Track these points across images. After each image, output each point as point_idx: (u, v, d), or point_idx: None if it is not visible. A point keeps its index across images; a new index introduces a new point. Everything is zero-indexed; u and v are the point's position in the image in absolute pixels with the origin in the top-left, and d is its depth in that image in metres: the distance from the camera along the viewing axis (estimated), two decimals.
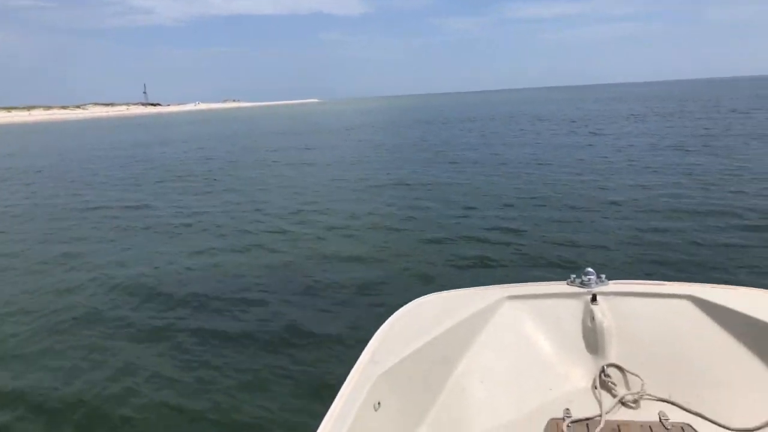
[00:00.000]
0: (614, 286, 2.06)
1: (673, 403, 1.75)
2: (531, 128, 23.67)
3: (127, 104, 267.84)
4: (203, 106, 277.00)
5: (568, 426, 1.67)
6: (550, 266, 5.46)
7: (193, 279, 5.82)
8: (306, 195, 10.47)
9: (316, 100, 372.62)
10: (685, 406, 1.73)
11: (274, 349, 4.11)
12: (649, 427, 1.64)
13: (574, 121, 26.07)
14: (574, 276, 2.11)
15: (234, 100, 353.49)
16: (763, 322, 1.74)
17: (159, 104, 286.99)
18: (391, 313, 2.05)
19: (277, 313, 4.76)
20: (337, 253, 6.38)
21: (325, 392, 3.26)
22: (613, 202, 8.11)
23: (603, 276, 2.09)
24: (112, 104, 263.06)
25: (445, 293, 2.18)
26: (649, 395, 1.79)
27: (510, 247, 6.19)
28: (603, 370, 1.90)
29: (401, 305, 2.10)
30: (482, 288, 2.20)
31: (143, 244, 7.50)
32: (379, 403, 1.56)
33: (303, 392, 3.49)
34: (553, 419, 1.73)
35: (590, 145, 15.86)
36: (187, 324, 4.63)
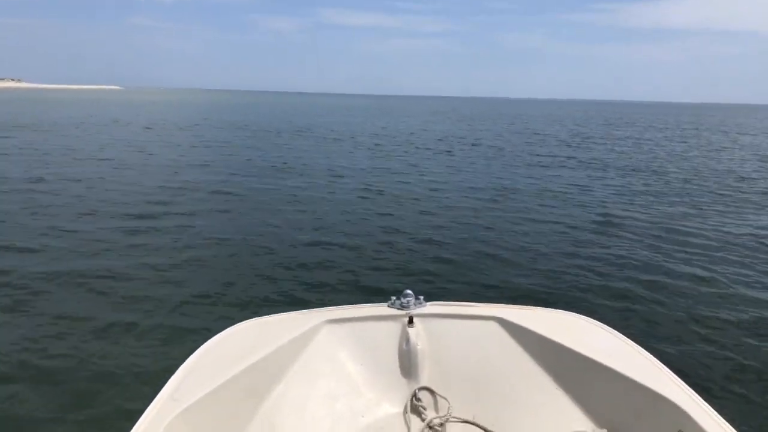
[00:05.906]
0: (431, 307, 2.09)
1: (476, 425, 1.81)
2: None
3: None
4: None
5: None
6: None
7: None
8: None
9: (116, 87, 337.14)
10: (488, 427, 1.80)
11: (66, 382, 3.59)
12: None
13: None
14: (395, 298, 2.10)
15: (14, 79, 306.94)
16: (556, 343, 1.89)
17: None
18: (203, 342, 1.85)
19: (77, 342, 4.14)
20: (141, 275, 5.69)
21: None
22: (437, 226, 8.10)
23: (422, 298, 2.11)
24: None
25: (262, 319, 2.04)
26: (455, 417, 1.83)
27: (333, 271, 5.84)
28: (415, 394, 1.91)
29: (215, 333, 1.92)
30: (302, 312, 2.09)
31: None
32: None
33: None
34: None
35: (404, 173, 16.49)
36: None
